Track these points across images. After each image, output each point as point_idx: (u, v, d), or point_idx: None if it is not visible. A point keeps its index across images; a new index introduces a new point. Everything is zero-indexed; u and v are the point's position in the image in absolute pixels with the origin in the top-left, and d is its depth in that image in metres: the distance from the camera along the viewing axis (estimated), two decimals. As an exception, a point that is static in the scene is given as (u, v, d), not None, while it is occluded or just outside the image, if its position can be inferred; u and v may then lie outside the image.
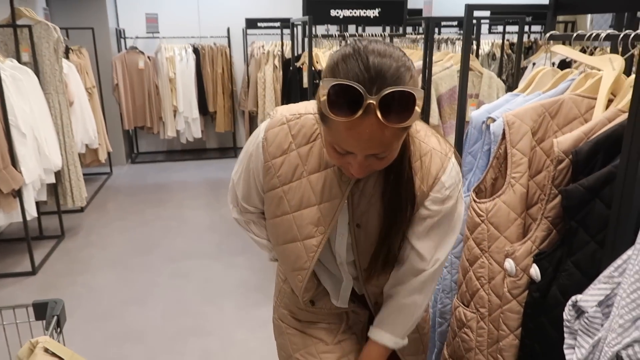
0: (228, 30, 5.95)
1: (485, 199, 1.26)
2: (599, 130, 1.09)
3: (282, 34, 4.80)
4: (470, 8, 1.41)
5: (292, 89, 2.88)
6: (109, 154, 5.05)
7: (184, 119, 5.90)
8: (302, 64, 2.72)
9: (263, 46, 5.96)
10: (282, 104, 4.75)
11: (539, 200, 1.23)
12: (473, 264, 1.28)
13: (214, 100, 6.04)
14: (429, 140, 1.01)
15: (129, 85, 5.77)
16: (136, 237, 3.87)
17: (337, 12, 2.65)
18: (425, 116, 2.69)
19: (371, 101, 0.77)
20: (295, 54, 4.31)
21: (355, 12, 2.68)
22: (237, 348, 2.52)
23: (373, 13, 2.71)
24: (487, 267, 1.25)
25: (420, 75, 2.68)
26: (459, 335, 1.34)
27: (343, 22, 2.73)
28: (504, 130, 1.24)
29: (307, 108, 1.05)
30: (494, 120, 1.35)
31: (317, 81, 2.60)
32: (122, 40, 5.96)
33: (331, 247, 1.12)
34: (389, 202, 1.01)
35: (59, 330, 1.07)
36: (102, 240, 3.83)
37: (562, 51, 1.36)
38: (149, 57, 5.75)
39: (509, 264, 1.18)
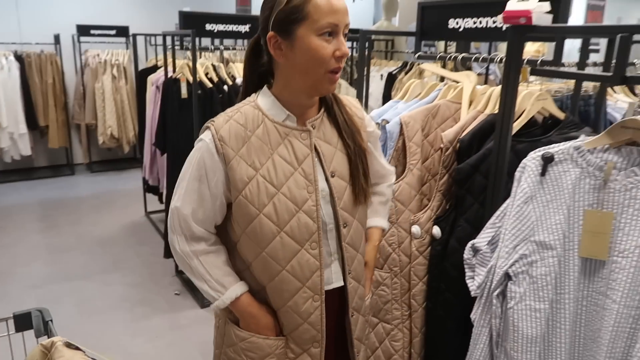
0: (57, 37, 5.50)
1: (391, 182, 1.62)
2: (469, 126, 1.54)
3: (130, 43, 4.67)
4: (364, 33, 1.78)
5: (168, 99, 2.94)
6: None
7: (8, 135, 5.26)
8: (180, 75, 2.81)
9: (99, 55, 5.67)
10: (138, 115, 4.64)
11: (427, 180, 1.64)
12: (385, 234, 1.64)
13: (44, 113, 5.51)
14: None
15: None
16: (-22, 269, 3.42)
17: (212, 26, 2.83)
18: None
19: None
20: (137, 63, 4.27)
21: (228, 27, 2.88)
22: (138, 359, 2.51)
23: (244, 28, 2.95)
24: (397, 235, 1.62)
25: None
26: (376, 293, 1.68)
27: (217, 36, 2.91)
28: (400, 128, 1.62)
29: (239, 104, 1.14)
30: (387, 121, 1.73)
31: (199, 92, 2.73)
32: None
33: (317, 216, 1.12)
34: (346, 137, 1.16)
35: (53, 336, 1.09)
36: None
37: (431, 68, 1.81)
38: (-43, 66, 5.00)
39: (416, 229, 1.56)
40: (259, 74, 1.17)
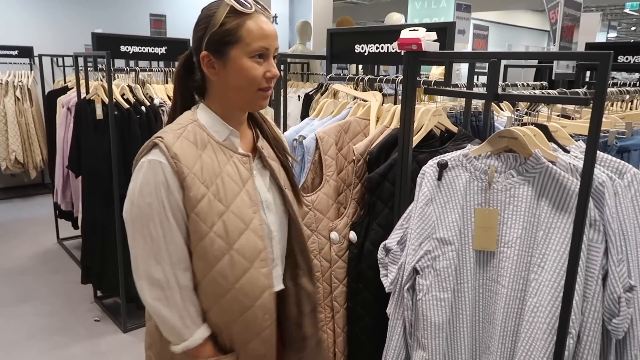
0: (-50, 57, 5.13)
1: (310, 193, 1.74)
2: (377, 139, 1.71)
3: (35, 64, 4.49)
4: (280, 56, 1.92)
5: (82, 121, 2.88)
6: None
7: None
8: (94, 96, 2.78)
9: (-2, 76, 5.34)
10: (47, 138, 4.41)
11: (343, 190, 1.78)
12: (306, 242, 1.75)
13: (-64, 138, 5.08)
14: None
15: None
16: None
17: (127, 48, 2.83)
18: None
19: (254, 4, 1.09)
20: (43, 85, 4.13)
21: (144, 49, 2.90)
22: (57, 391, 2.40)
23: (160, 50, 2.98)
24: (317, 242, 1.74)
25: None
26: (301, 298, 1.79)
27: (133, 58, 2.91)
28: (316, 143, 1.75)
29: (181, 122, 1.13)
30: (304, 137, 1.86)
31: (116, 112, 2.72)
32: None
33: (263, 234, 1.16)
34: (277, 150, 1.27)
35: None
36: None
37: (342, 88, 1.97)
38: None
39: (335, 235, 1.70)
40: (191, 90, 1.21)
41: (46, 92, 4.23)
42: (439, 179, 1.41)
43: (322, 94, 3.88)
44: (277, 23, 7.71)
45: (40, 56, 4.42)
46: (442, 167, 1.40)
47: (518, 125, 1.49)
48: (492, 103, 2.02)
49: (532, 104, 1.64)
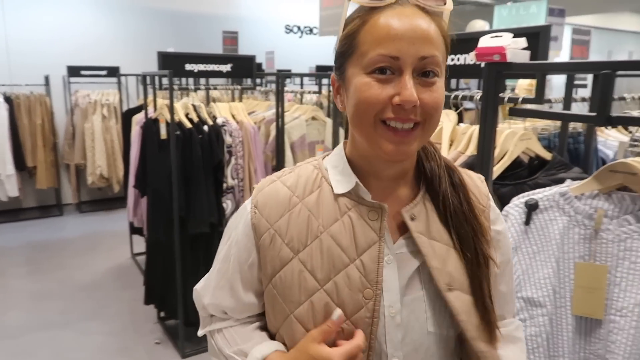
0: (47, 78, 5.49)
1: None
2: (450, 168, 1.44)
3: (119, 83, 4.68)
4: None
5: (148, 140, 2.86)
6: None
7: (-5, 177, 5.18)
8: (159, 115, 2.74)
9: (89, 95, 5.65)
10: (123, 155, 4.57)
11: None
12: None
13: (33, 154, 5.44)
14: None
15: None
16: (-49, 319, 3.27)
17: (192, 67, 2.77)
18: (280, 162, 2.94)
19: None
20: (127, 104, 4.26)
21: (208, 67, 2.83)
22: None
23: (225, 68, 2.90)
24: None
25: (274, 124, 2.94)
26: None
27: (197, 76, 2.85)
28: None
29: (306, 160, 0.86)
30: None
31: (178, 132, 2.65)
32: None
33: (370, 335, 0.74)
34: (459, 239, 0.77)
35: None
36: None
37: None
38: (-55, 108, 4.97)
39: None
40: None
41: (124, 111, 4.36)
42: (527, 222, 1.11)
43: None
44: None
45: (122, 75, 4.59)
46: (532, 208, 1.10)
47: (633, 153, 1.16)
48: (596, 122, 1.67)
49: (653, 125, 1.30)
